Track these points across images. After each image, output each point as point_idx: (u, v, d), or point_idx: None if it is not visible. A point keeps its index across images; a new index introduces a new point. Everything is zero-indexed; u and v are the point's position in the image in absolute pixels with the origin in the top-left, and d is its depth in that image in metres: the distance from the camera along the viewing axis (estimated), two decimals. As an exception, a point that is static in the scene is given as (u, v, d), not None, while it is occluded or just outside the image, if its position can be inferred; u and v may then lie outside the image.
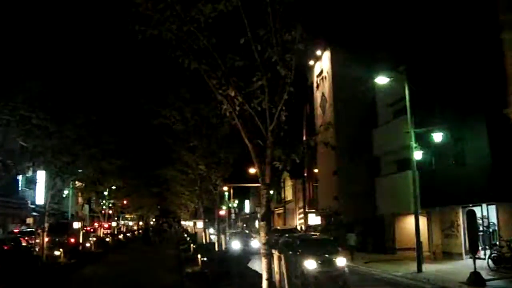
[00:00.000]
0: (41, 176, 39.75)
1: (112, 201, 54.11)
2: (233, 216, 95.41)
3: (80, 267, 26.94)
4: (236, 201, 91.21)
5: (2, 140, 21.24)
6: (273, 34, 8.71)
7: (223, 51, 9.19)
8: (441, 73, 27.97)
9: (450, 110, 27.40)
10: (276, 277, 11.66)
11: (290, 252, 20.31)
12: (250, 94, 9.32)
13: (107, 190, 47.09)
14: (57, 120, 21.59)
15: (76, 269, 25.96)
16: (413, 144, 25.13)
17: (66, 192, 46.51)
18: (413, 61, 29.05)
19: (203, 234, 32.42)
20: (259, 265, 12.00)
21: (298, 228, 54.01)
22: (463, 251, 27.65)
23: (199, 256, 22.62)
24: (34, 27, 22.78)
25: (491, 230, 26.28)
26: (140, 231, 77.97)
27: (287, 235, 27.36)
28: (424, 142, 26.28)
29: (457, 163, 28.05)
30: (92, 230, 50.00)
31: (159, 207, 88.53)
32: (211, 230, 45.64)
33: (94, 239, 39.06)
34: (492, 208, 25.97)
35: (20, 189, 43.28)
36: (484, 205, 26.27)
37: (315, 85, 51.74)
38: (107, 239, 45.13)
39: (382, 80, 27.12)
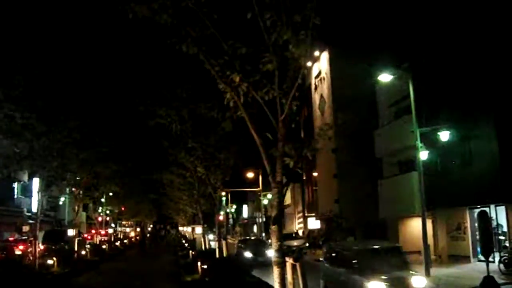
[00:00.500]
0: (36, 183, 39.24)
1: (109, 207, 53.29)
2: (231, 221, 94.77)
3: (74, 276, 25.74)
4: (234, 206, 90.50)
5: None
6: (283, 12, 7.78)
7: (225, 30, 8.27)
8: (446, 71, 27.20)
9: (456, 109, 26.60)
10: None
11: (341, 268, 16.03)
12: (257, 81, 8.42)
13: (104, 196, 46.25)
14: (46, 121, 20.60)
15: (69, 279, 24.76)
16: (419, 143, 24.28)
17: (62, 199, 45.81)
18: (416, 59, 28.26)
19: (202, 240, 31.28)
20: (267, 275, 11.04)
21: (300, 233, 53.24)
22: (471, 254, 26.84)
23: (198, 263, 21.45)
24: (23, 20, 21.88)
25: (500, 232, 25.53)
26: (138, 237, 76.82)
27: (331, 243, 23.07)
28: (428, 141, 25.48)
29: (464, 163, 27.22)
30: (88, 237, 49.10)
31: (156, 213, 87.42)
32: (211, 236, 44.61)
33: (89, 246, 38.08)
34: (501, 209, 25.16)
35: (15, 196, 42.68)
36: (492, 206, 25.43)
37: (313, 86, 51.03)
38: (103, 246, 44.13)
39: (385, 77, 26.23)
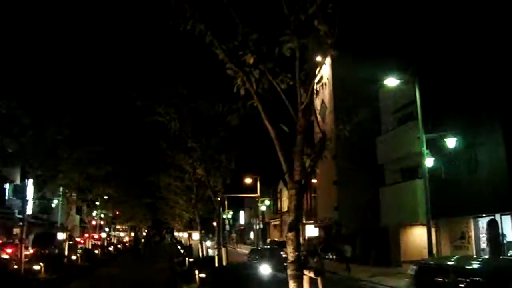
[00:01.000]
0: (29, 184, 38.51)
1: (103, 211, 52.26)
2: (227, 227, 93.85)
3: (62, 283, 24.31)
4: (231, 212, 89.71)
5: None
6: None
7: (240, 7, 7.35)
8: (451, 76, 26.36)
9: (461, 115, 25.78)
10: None
11: None
12: (275, 63, 7.49)
13: (98, 199, 45.25)
14: (34, 114, 19.50)
15: (56, 286, 23.36)
16: (425, 150, 23.44)
17: (56, 201, 44.83)
18: (421, 64, 27.42)
19: (200, 246, 29.93)
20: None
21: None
22: (475, 264, 25.88)
23: (196, 272, 20.24)
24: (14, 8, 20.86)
25: (505, 242, 24.68)
26: (132, 242, 75.64)
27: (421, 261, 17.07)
28: (433, 148, 24.70)
29: (469, 171, 26.33)
30: (81, 241, 48.06)
31: (151, 217, 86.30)
32: (208, 243, 43.44)
33: (80, 251, 36.95)
34: (506, 218, 24.24)
35: (7, 198, 41.66)
36: (497, 215, 24.56)
37: (314, 92, 50.07)
38: (96, 251, 42.96)
39: (391, 82, 25.39)
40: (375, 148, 35.25)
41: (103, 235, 60.88)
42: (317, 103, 49.13)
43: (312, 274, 8.36)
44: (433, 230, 28.93)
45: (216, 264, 20.71)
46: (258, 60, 7.53)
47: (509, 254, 23.79)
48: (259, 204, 64.00)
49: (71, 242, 41.63)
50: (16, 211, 40.52)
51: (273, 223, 73.06)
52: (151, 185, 37.51)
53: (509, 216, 23.89)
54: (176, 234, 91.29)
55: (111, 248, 54.75)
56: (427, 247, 31.62)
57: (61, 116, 21.24)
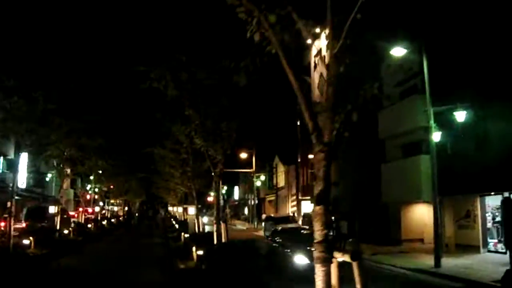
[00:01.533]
0: (24, 158, 37.65)
1: (97, 185, 51.31)
2: (221, 202, 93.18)
3: (53, 258, 23.13)
4: (225, 188, 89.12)
5: None
6: None
7: None
8: (459, 45, 25.16)
9: (469, 87, 24.63)
10: None
11: None
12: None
13: (92, 173, 44.26)
14: (21, 78, 18.20)
15: (46, 261, 22.14)
16: (432, 123, 22.38)
17: (50, 175, 43.92)
18: (428, 34, 26.18)
19: (196, 221, 28.77)
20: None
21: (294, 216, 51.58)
22: (481, 244, 25.13)
23: (193, 248, 19.10)
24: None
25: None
26: (125, 217, 74.77)
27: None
28: (439, 122, 23.56)
29: (478, 146, 25.35)
30: (75, 215, 47.16)
31: (145, 192, 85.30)
32: (205, 219, 42.46)
33: (73, 225, 35.94)
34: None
35: (0, 172, 40.90)
36: (506, 194, 23.65)
37: (312, 65, 48.86)
38: (89, 226, 42.03)
39: (398, 51, 24.16)
40: (376, 123, 34.14)
41: (97, 209, 59.96)
42: (316, 76, 47.87)
43: (347, 258, 6.68)
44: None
45: (215, 241, 19.45)
46: None
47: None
48: (254, 180, 63.27)
49: (64, 216, 40.73)
50: (10, 184, 39.67)
51: (268, 199, 72.36)
52: (146, 157, 36.23)
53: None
54: (170, 208, 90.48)
55: (104, 222, 53.88)
56: (428, 225, 31.10)
57: (51, 82, 19.85)
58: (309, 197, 51.72)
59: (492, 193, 24.13)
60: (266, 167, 68.58)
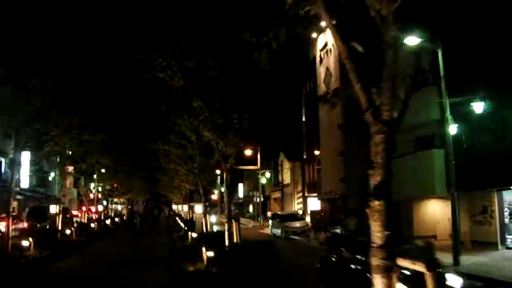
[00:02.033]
0: (26, 157, 36.93)
1: (100, 184, 50.54)
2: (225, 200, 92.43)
3: (53, 261, 21.83)
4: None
5: None
6: None
7: None
8: (473, 34, 24.19)
9: (484, 77, 23.68)
10: None
11: None
12: None
13: (95, 171, 43.40)
14: (13, 66, 17.19)
15: (46, 264, 20.74)
16: (448, 115, 21.41)
17: (52, 174, 43.18)
18: (442, 25, 25.16)
19: (204, 220, 27.49)
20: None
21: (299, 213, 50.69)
22: (498, 240, 24.31)
23: (203, 249, 17.73)
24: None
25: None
26: (129, 216, 73.84)
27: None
28: (454, 115, 22.61)
29: (495, 139, 24.43)
30: (78, 214, 46.39)
31: (148, 190, 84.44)
32: (213, 219, 41.31)
33: (76, 225, 35.03)
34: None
35: (3, 171, 40.35)
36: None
37: (318, 59, 48.18)
38: (92, 225, 41.12)
39: (412, 41, 23.09)
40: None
41: (100, 208, 59.17)
42: (321, 71, 47.14)
43: (420, 267, 5.43)
44: (450, 204, 27.38)
45: (227, 241, 17.98)
46: None
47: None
48: (260, 177, 62.45)
49: (67, 216, 39.92)
50: (13, 184, 39.16)
51: (273, 196, 71.55)
52: (149, 154, 34.98)
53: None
54: (174, 207, 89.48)
55: (108, 222, 53.03)
56: (440, 221, 30.25)
57: (47, 70, 18.71)
58: (315, 194, 50.94)
59: (511, 187, 23.33)
60: (271, 164, 67.77)
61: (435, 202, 30.78)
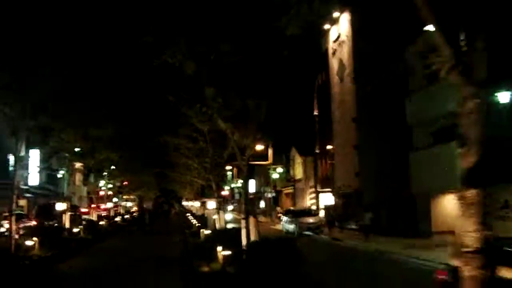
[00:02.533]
0: (34, 155, 36.32)
1: (109, 181, 49.86)
2: (237, 196, 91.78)
3: (56, 262, 20.75)
4: (240, 181, 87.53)
5: None
6: None
7: None
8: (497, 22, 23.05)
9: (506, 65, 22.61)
10: None
11: None
12: None
13: (105, 169, 42.71)
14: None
15: (51, 264, 19.81)
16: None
17: (62, 172, 42.60)
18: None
19: (217, 217, 26.24)
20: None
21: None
22: (522, 236, 23.15)
23: (218, 248, 16.58)
24: None
25: None
26: (139, 213, 73.22)
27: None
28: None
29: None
30: (88, 212, 45.70)
31: (158, 186, 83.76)
32: (228, 216, 40.17)
33: (84, 223, 34.25)
34: None
35: (10, 169, 39.86)
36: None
37: (330, 51, 47.13)
38: (102, 223, 40.35)
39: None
40: (401, 109, 32.07)
41: (109, 205, 58.50)
42: (334, 62, 46.12)
43: None
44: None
45: (244, 239, 16.62)
46: None
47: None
48: (271, 172, 61.47)
49: (75, 213, 39.24)
50: (21, 182, 38.68)
51: (285, 192, 70.56)
52: (159, 149, 33.75)
53: None
54: (184, 203, 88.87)
55: (118, 219, 52.34)
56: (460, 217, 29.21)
57: (47, 57, 17.48)
58: (328, 189, 49.97)
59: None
60: (282, 159, 66.81)
61: (454, 196, 29.71)
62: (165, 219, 52.56)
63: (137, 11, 13.23)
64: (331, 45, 46.83)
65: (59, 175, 44.15)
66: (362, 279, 17.20)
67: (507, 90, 20.72)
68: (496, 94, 20.90)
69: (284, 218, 42.72)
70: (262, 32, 8.81)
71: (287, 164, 67.08)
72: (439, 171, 27.66)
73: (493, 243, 5.03)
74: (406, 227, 32.02)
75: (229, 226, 28.54)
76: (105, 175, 46.22)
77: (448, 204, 30.15)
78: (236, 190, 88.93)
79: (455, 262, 5.07)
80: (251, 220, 16.68)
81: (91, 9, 16.78)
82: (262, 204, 74.16)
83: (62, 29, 17.15)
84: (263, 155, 59.12)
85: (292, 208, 47.97)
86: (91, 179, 48.82)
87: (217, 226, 25.58)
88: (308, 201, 59.01)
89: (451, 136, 27.00)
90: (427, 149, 30.12)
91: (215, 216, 26.31)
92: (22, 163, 35.77)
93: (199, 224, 30.95)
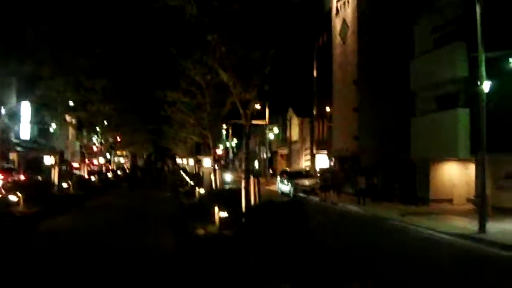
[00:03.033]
0: (25, 107, 35.36)
1: (102, 136, 48.96)
2: (231, 155, 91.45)
3: (41, 219, 19.31)
4: (235, 140, 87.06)
5: None
6: None
7: None
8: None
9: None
10: None
11: None
12: None
13: (98, 124, 41.80)
14: None
15: (35, 222, 18.41)
16: (483, 71, 19.37)
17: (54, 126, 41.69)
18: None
19: (213, 176, 25.11)
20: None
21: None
22: (525, 207, 22.72)
23: (216, 209, 15.66)
24: None
25: None
26: (131, 169, 72.40)
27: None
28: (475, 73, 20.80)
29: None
30: (79, 167, 44.81)
31: (152, 143, 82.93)
32: (228, 177, 39.25)
33: (74, 178, 33.42)
34: None
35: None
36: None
37: (334, 11, 45.76)
38: (93, 179, 39.57)
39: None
40: (405, 73, 31.03)
41: (102, 161, 57.68)
42: (337, 22, 44.90)
43: None
44: (472, 167, 25.77)
45: (244, 200, 15.55)
46: None
47: None
48: (267, 132, 60.73)
49: (66, 168, 38.44)
50: (12, 134, 37.76)
51: (280, 153, 70.16)
52: (155, 104, 32.51)
53: None
54: (178, 161, 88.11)
55: (110, 175, 51.62)
56: (457, 185, 28.77)
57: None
58: (324, 151, 49.46)
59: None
60: (279, 120, 66.06)
61: (453, 164, 29.36)
62: (159, 176, 51.68)
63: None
64: (335, 5, 45.52)
65: (51, 130, 43.28)
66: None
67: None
68: (509, 60, 19.94)
69: (279, 179, 42.35)
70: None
71: (284, 125, 66.46)
72: (442, 137, 27.13)
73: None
74: (403, 192, 31.53)
75: (227, 187, 27.76)
76: (97, 129, 45.34)
77: (446, 172, 29.73)
78: (230, 150, 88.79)
79: None
80: (252, 180, 15.73)
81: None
82: (256, 164, 73.69)
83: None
84: (259, 114, 58.35)
85: (288, 169, 47.41)
86: (84, 133, 47.85)
87: (213, 185, 24.66)
88: (303, 163, 58.63)
89: (454, 103, 26.33)
90: (430, 115, 29.29)
91: (211, 175, 25.29)
92: (12, 115, 35.04)
93: (193, 183, 30.15)
